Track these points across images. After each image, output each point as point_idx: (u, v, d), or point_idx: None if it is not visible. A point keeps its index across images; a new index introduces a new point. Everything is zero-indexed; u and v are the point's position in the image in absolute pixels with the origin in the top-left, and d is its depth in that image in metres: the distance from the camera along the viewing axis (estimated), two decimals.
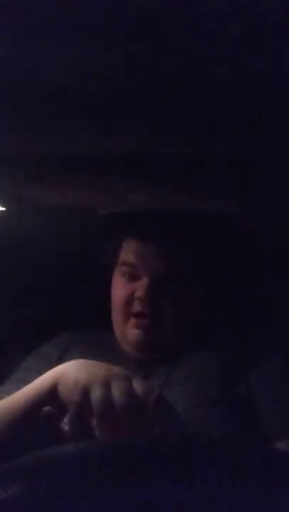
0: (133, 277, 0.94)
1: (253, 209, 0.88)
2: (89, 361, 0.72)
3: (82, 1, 0.53)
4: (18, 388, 0.92)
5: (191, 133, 0.72)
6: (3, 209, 0.93)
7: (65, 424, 0.68)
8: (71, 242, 1.13)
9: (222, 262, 1.01)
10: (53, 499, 0.45)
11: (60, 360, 0.97)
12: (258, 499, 0.48)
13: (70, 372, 0.70)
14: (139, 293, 0.92)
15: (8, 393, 0.91)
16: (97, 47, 0.59)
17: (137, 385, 0.68)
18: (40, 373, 0.95)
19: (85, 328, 1.05)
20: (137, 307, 0.92)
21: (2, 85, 0.65)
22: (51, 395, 0.70)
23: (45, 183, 0.81)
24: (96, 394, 0.66)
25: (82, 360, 0.73)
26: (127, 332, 0.94)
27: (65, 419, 0.68)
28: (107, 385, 0.67)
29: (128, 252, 0.95)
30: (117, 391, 0.66)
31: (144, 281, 0.92)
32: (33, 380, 0.94)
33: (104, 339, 1.02)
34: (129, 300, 0.94)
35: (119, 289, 0.96)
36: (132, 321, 0.93)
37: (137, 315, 0.93)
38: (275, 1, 0.53)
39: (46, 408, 0.70)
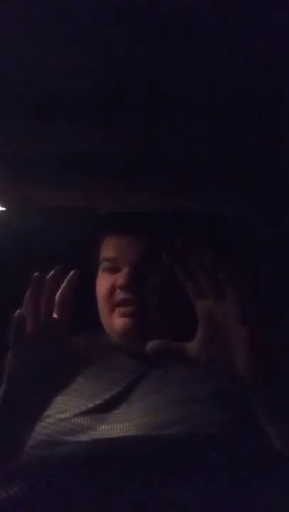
0: (114, 270, 0.96)
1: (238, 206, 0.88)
2: None
3: (82, 2, 0.53)
4: None
5: (190, 133, 0.72)
6: (3, 209, 0.93)
7: None
8: (71, 242, 1.13)
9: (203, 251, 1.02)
10: (53, 499, 0.45)
11: None
12: (256, 499, 0.48)
13: None
14: (120, 281, 0.93)
15: None
16: (97, 47, 0.59)
17: None
18: None
19: (84, 327, 1.05)
20: (119, 296, 0.94)
21: (2, 85, 0.65)
22: None
23: (45, 183, 0.82)
24: None
25: None
26: (114, 322, 0.95)
27: None
28: None
29: (108, 249, 0.98)
30: None
31: (124, 271, 0.94)
32: None
33: (96, 342, 1.02)
34: (112, 291, 0.95)
35: (102, 282, 0.98)
36: (117, 310, 0.94)
37: (120, 303, 0.94)
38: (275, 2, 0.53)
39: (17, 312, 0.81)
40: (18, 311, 0.84)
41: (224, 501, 0.47)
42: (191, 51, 0.59)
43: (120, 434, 0.82)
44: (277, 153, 0.75)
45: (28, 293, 0.87)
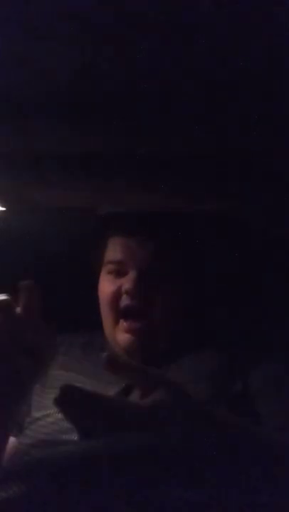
0: (120, 274, 0.93)
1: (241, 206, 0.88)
2: None
3: (82, 2, 0.54)
4: None
5: (190, 133, 0.72)
6: (3, 209, 0.93)
7: None
8: (71, 242, 1.13)
9: (208, 257, 1.00)
10: (53, 499, 0.45)
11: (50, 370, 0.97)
12: (257, 498, 0.48)
13: None
14: (127, 286, 0.90)
15: None
16: (97, 47, 0.59)
17: None
18: None
19: (83, 328, 1.05)
20: (125, 301, 0.91)
21: (2, 85, 0.65)
22: None
23: (45, 183, 0.81)
24: None
25: None
26: (118, 336, 0.92)
27: None
28: None
29: (114, 250, 0.95)
30: None
31: (131, 275, 0.91)
32: None
33: (95, 341, 1.01)
34: (117, 295, 0.92)
35: (106, 286, 0.94)
36: (122, 324, 0.91)
37: (125, 310, 0.91)
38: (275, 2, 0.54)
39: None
40: None
41: (224, 501, 0.47)
42: (191, 51, 0.60)
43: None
44: (277, 152, 0.75)
45: None
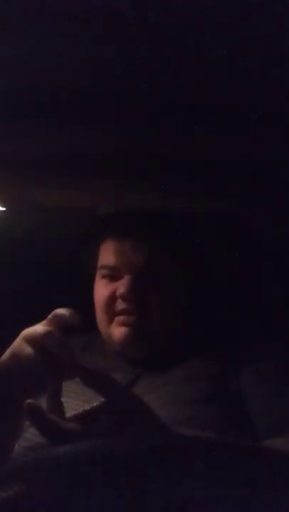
0: (114, 278, 0.94)
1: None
2: None
3: (82, 1, 0.54)
4: None
5: (190, 133, 0.72)
6: (3, 209, 0.93)
7: None
8: (71, 242, 1.13)
9: (205, 258, 1.00)
10: (53, 499, 0.45)
11: None
12: (256, 499, 0.48)
13: None
14: (121, 290, 0.91)
15: None
16: (97, 47, 0.59)
17: None
18: None
19: (83, 330, 1.05)
20: (119, 306, 0.92)
21: (2, 85, 0.65)
22: None
23: (45, 183, 0.81)
24: None
25: None
26: (113, 331, 0.93)
27: None
28: None
29: (107, 254, 0.95)
30: None
31: (125, 280, 0.91)
32: None
33: (93, 343, 1.01)
34: (112, 300, 0.93)
35: (101, 290, 0.95)
36: (117, 319, 0.92)
37: (121, 313, 0.92)
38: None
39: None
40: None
41: (224, 501, 0.47)
42: (191, 51, 0.59)
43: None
44: (277, 153, 0.75)
45: None
